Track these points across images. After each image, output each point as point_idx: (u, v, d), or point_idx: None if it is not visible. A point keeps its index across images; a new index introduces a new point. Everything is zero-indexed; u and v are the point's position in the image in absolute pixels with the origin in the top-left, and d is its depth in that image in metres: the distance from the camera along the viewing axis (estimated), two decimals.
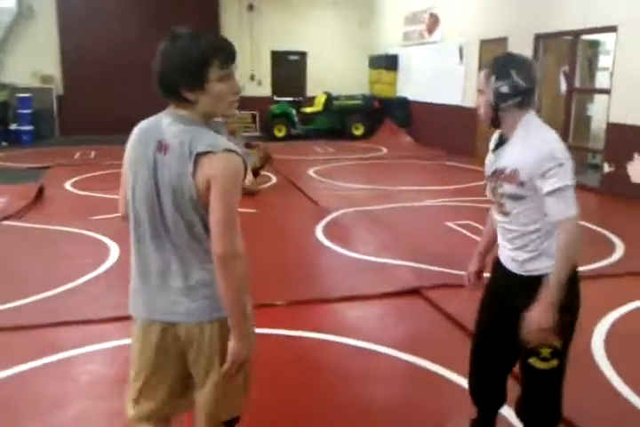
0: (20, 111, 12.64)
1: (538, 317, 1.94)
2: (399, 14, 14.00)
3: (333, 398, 2.91)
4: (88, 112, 13.57)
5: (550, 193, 1.92)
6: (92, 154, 11.13)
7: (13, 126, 12.72)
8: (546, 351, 2.04)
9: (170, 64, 1.69)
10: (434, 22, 12.48)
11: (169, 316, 1.82)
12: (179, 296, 1.79)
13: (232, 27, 15.14)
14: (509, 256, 2.13)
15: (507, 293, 2.16)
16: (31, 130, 12.83)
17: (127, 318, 3.77)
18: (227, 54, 1.75)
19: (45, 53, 13.90)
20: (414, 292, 4.22)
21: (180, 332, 1.82)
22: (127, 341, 3.45)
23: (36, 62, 13.88)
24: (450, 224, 6.05)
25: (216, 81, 1.69)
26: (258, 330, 3.52)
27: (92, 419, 2.72)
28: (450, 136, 11.60)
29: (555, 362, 2.05)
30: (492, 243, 2.33)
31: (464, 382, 2.89)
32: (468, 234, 5.57)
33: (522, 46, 8.98)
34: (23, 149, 11.92)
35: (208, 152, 1.65)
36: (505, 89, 1.97)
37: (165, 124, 1.73)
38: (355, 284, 4.42)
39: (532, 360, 2.07)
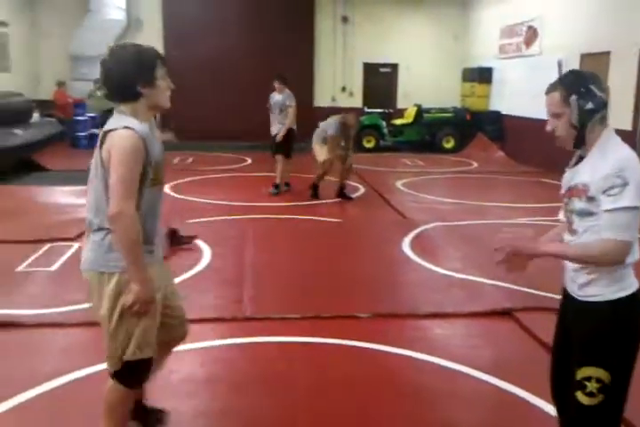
0: None
1: (516, 244, 2.04)
2: (495, 27, 13.71)
3: (415, 416, 2.87)
4: (187, 120, 14.14)
5: (608, 211, 1.83)
6: (190, 160, 11.59)
7: None
8: (592, 386, 1.89)
9: (127, 66, 2.14)
10: (532, 35, 12.13)
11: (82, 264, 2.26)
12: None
13: (326, 38, 15.38)
14: (570, 277, 2.03)
15: (566, 316, 2.08)
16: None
17: (218, 319, 3.92)
18: (163, 58, 2.27)
19: None
20: (504, 313, 4.08)
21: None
22: (216, 342, 3.59)
23: None
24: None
25: (161, 78, 2.20)
26: (340, 341, 3.60)
27: (182, 418, 2.80)
28: (546, 152, 11.15)
29: (600, 398, 1.89)
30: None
31: (550, 409, 2.77)
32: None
33: (625, 61, 8.56)
34: None
35: (112, 129, 2.11)
36: (590, 105, 1.91)
37: (111, 118, 2.21)
38: (442, 301, 4.33)
39: (578, 394, 1.92)
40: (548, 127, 2.03)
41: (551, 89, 1.98)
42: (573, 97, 1.92)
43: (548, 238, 2.24)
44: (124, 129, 2.09)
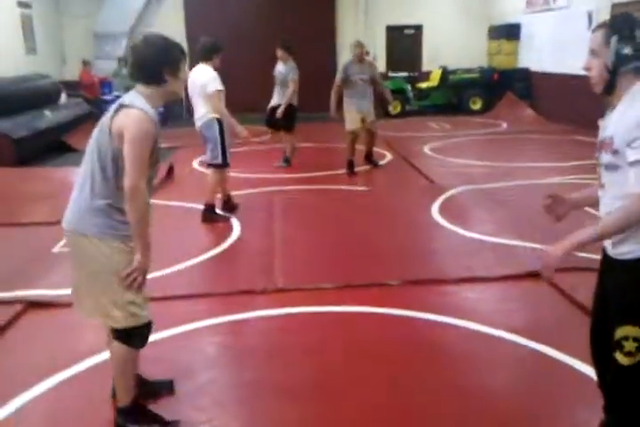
0: None
1: (551, 252, 1.87)
2: None
3: (451, 381, 2.88)
4: None
5: (632, 164, 1.77)
6: None
7: None
8: (630, 345, 1.86)
9: (158, 52, 2.33)
10: None
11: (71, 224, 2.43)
12: None
13: (348, 3, 15.04)
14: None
15: (604, 276, 2.05)
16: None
17: (250, 292, 3.98)
18: (185, 55, 2.45)
19: (173, 37, 14.49)
20: (537, 275, 4.03)
21: None
22: (249, 313, 3.64)
23: None
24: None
25: (182, 70, 2.41)
26: (372, 309, 3.62)
27: (219, 389, 2.88)
28: (578, 109, 10.85)
29: (639, 357, 1.86)
30: (588, 198, 2.21)
31: (589, 371, 2.76)
32: (598, 213, 5.21)
33: None
34: None
35: (128, 106, 2.26)
36: (627, 50, 1.82)
37: (127, 94, 2.38)
38: (473, 265, 4.31)
39: (617, 355, 1.90)
40: (584, 65, 1.96)
41: (598, 27, 1.92)
42: (614, 38, 1.84)
43: (580, 196, 2.22)
44: (140, 111, 2.26)
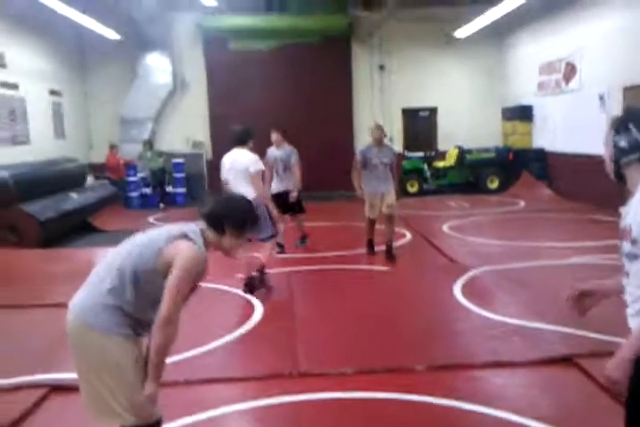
0: (175, 175, 13.87)
1: (610, 368, 1.82)
2: (533, 64, 13.76)
3: None
4: None
5: None
6: None
7: (169, 189, 13.94)
8: None
9: (238, 212, 2.48)
10: (571, 71, 12.12)
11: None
12: None
13: (364, 86, 15.71)
14: (629, 322, 1.97)
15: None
16: (184, 192, 13.97)
17: (274, 376, 3.92)
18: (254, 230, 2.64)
19: (196, 122, 15.25)
20: (565, 360, 3.95)
21: None
22: (274, 400, 3.58)
23: (188, 130, 15.26)
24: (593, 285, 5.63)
25: (240, 240, 2.50)
26: (396, 395, 3.53)
27: None
28: (594, 188, 10.91)
29: None
30: (611, 289, 2.17)
31: None
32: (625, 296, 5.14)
33: None
34: (178, 209, 12.93)
35: (188, 236, 2.35)
36: (623, 144, 1.91)
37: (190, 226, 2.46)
38: (498, 349, 4.23)
39: None
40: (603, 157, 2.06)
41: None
42: (612, 132, 1.96)
43: (610, 284, 2.21)
44: (199, 249, 2.34)
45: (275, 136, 7.52)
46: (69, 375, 3.84)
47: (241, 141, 5.92)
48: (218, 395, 3.71)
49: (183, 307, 2.35)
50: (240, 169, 5.79)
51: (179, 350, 4.29)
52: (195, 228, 2.43)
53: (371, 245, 7.53)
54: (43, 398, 3.67)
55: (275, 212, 6.02)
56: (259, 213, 2.63)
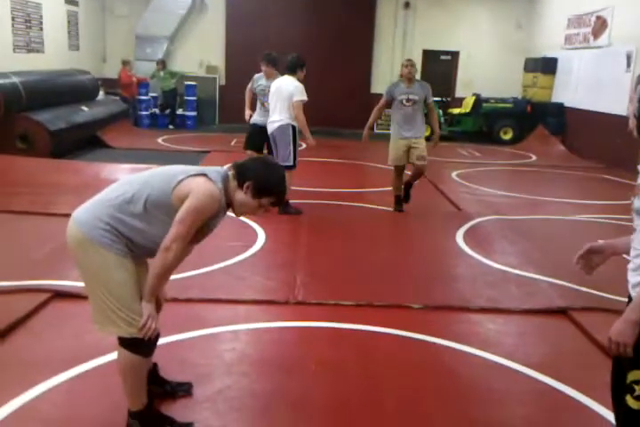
0: (186, 98, 13.64)
1: (615, 331, 1.84)
2: (562, 16, 13.26)
3: (465, 412, 2.86)
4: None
5: None
6: None
7: (180, 111, 13.76)
8: None
9: (264, 176, 2.37)
10: (601, 26, 11.69)
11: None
12: None
13: (387, 24, 15.22)
14: (628, 276, 1.99)
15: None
16: (194, 116, 13.80)
17: (270, 302, 4.00)
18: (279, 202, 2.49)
19: (212, 45, 14.86)
20: (560, 312, 4.02)
21: None
22: (268, 324, 3.67)
23: (203, 53, 14.89)
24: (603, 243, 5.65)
25: (259, 207, 2.41)
26: (391, 330, 3.62)
27: (236, 395, 2.89)
28: (610, 148, 10.82)
29: None
30: (621, 248, 2.17)
31: (605, 413, 2.74)
32: (625, 255, 5.17)
33: None
34: (187, 133, 12.81)
35: (208, 176, 2.30)
36: None
37: (214, 168, 2.42)
38: (495, 296, 4.30)
39: (627, 398, 1.87)
40: (627, 112, 2.00)
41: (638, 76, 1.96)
42: (637, 88, 1.89)
43: (619, 241, 2.20)
44: (216, 189, 2.28)
45: (264, 67, 6.53)
46: (73, 283, 3.95)
47: (291, 69, 6.08)
48: (215, 315, 3.80)
49: (189, 244, 2.33)
50: (283, 96, 5.98)
51: (179, 270, 4.37)
52: (220, 169, 2.38)
53: (399, 201, 6.70)
54: (45, 303, 3.75)
55: (312, 140, 6.16)
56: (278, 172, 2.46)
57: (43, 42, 11.61)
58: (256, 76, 6.75)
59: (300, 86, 6.01)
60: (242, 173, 2.36)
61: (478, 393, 3.05)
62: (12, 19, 10.45)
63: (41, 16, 11.47)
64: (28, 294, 3.83)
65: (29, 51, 11.05)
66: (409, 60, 6.73)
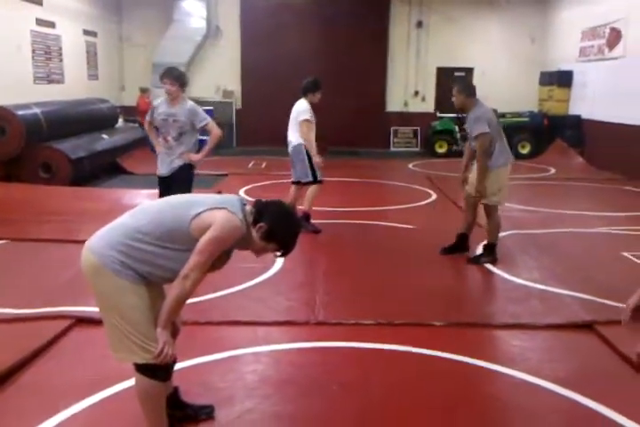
0: None
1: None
2: (575, 29, 13.24)
3: None
4: (262, 125, 14.44)
5: None
6: (264, 164, 11.83)
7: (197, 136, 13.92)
8: None
9: (281, 221, 2.41)
10: (615, 37, 11.65)
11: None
12: None
13: (400, 42, 15.32)
14: None
15: None
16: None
17: (291, 322, 3.98)
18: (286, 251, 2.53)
19: (228, 70, 15.09)
20: (585, 326, 3.94)
21: None
22: (289, 345, 3.65)
23: (219, 78, 15.12)
24: (627, 255, 5.58)
25: (268, 250, 2.48)
26: (413, 349, 3.58)
27: (258, 418, 2.87)
28: (631, 159, 10.70)
29: None
30: None
31: None
32: None
33: None
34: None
35: (230, 209, 2.31)
36: None
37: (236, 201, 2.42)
38: (518, 311, 4.23)
39: None
40: None
41: None
42: None
43: None
44: (239, 221, 2.31)
45: (169, 87, 5.08)
46: (94, 309, 3.97)
47: (303, 92, 6.41)
48: (235, 337, 3.80)
49: (205, 273, 2.32)
50: (293, 116, 6.40)
51: (199, 293, 4.39)
52: (237, 201, 2.38)
53: (464, 240, 5.69)
54: (67, 329, 3.78)
55: (317, 158, 6.30)
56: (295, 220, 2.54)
57: (62, 73, 11.89)
58: (156, 102, 5.38)
59: (307, 107, 6.30)
60: (260, 213, 2.39)
61: (505, 411, 3.00)
62: (33, 51, 10.73)
63: (60, 48, 11.76)
64: (52, 320, 3.87)
65: (50, 82, 11.32)
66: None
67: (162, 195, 5.12)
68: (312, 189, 6.49)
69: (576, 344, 3.80)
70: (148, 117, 5.41)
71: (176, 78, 5.12)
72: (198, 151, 5.44)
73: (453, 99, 5.48)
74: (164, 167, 5.39)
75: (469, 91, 5.43)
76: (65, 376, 3.23)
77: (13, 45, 10.11)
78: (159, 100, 5.37)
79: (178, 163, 5.31)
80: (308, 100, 6.37)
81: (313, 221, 6.51)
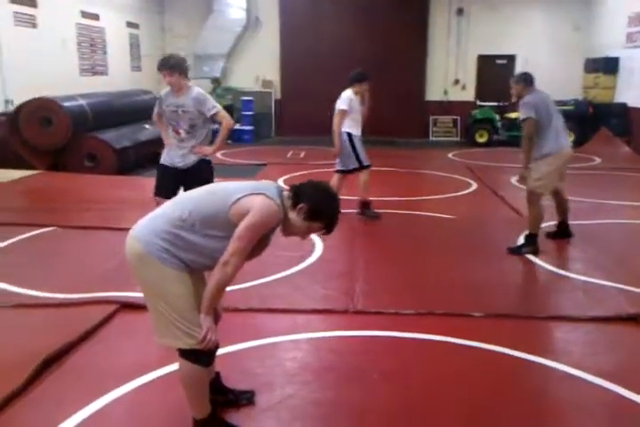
0: (243, 113, 13.92)
1: None
2: (621, 15, 12.82)
3: (532, 422, 2.78)
4: (300, 115, 14.48)
5: None
6: (302, 154, 11.84)
7: (237, 126, 14.05)
8: None
9: (320, 199, 2.45)
10: None
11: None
12: None
13: (440, 30, 15.11)
14: None
15: None
16: (252, 130, 14.07)
17: (330, 311, 4.00)
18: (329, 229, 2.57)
19: (267, 60, 15.14)
20: (631, 319, 3.85)
21: None
22: (328, 333, 3.67)
23: (259, 68, 15.19)
24: None
25: (311, 230, 2.54)
26: (453, 339, 3.56)
27: (298, 404, 2.91)
28: None
29: None
30: None
31: None
32: None
33: None
34: (244, 147, 13.06)
35: (269, 195, 2.35)
36: None
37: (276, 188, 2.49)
38: (562, 303, 4.17)
39: None
40: None
41: None
42: None
43: None
44: (277, 206, 2.35)
45: (169, 78, 4.70)
46: (139, 294, 4.07)
47: (350, 82, 6.56)
48: (275, 324, 3.84)
49: (244, 260, 2.34)
50: (336, 106, 6.55)
51: (240, 281, 4.45)
52: (274, 186, 2.44)
53: (533, 240, 5.37)
54: (113, 314, 3.88)
55: (334, 150, 6.53)
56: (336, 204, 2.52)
57: (106, 64, 12.13)
58: (162, 93, 5.01)
59: (345, 96, 6.44)
60: (298, 195, 2.41)
61: (547, 404, 2.95)
62: (78, 43, 10.97)
63: (104, 40, 12.00)
64: (98, 305, 3.99)
65: (94, 73, 11.56)
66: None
67: (168, 186, 4.88)
68: (363, 175, 6.64)
69: (620, 337, 3.72)
70: (156, 109, 5.00)
71: (172, 68, 4.68)
72: (211, 143, 4.99)
73: (512, 91, 5.63)
74: (176, 158, 4.88)
75: (525, 80, 5.56)
76: (109, 360, 3.32)
77: (60, 38, 10.36)
78: (165, 91, 4.95)
79: (193, 158, 4.84)
80: (354, 91, 6.50)
81: (350, 210, 6.50)
